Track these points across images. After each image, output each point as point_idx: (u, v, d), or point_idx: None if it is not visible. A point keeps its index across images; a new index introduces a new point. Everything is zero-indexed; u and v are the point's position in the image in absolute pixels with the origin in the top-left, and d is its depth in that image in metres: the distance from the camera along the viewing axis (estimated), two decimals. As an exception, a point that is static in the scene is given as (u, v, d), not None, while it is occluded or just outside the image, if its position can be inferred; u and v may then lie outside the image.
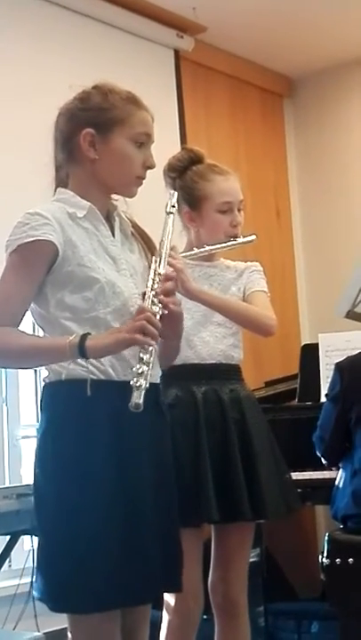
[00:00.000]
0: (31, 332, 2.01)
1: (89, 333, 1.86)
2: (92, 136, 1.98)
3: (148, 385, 1.82)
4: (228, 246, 2.59)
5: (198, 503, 2.36)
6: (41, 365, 2.00)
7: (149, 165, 2.04)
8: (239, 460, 2.46)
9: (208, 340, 2.57)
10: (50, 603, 1.89)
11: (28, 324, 1.99)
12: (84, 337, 1.83)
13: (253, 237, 2.63)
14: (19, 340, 1.88)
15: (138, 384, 1.80)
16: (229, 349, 2.60)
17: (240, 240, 2.61)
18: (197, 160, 2.64)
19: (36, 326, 2.03)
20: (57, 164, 2.05)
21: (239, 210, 2.63)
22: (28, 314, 1.97)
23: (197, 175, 2.61)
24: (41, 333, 2.00)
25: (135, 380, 1.81)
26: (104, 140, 1.98)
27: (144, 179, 2.04)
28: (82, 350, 1.82)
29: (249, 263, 2.69)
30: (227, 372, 2.59)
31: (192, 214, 2.62)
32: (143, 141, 2.02)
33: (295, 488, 2.72)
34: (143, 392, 1.80)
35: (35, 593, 1.93)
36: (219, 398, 2.53)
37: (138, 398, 1.79)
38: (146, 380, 1.81)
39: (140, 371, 1.82)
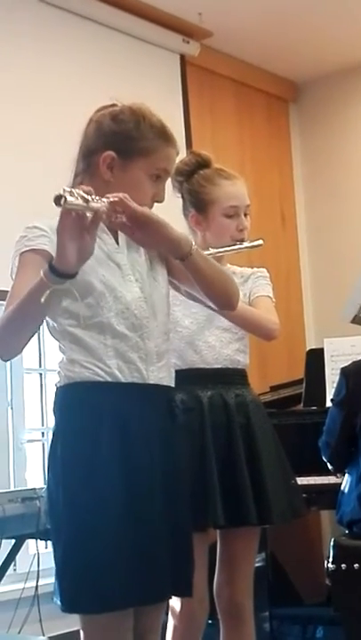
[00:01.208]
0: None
1: None
2: (113, 159, 1.98)
3: (75, 197, 1.73)
4: (234, 250, 2.60)
5: (204, 508, 2.36)
6: (38, 314, 1.90)
7: (158, 200, 2.05)
8: (245, 465, 2.46)
9: (214, 345, 2.58)
10: (62, 603, 1.90)
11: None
12: (50, 263, 1.82)
13: (261, 242, 2.64)
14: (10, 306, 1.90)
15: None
16: (235, 354, 2.60)
17: (246, 244, 2.62)
18: (205, 164, 2.65)
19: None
20: (76, 171, 2.06)
21: (246, 214, 2.64)
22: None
23: (204, 179, 2.62)
24: (57, 346, 2.02)
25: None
26: (123, 167, 1.98)
27: (151, 208, 2.04)
28: (52, 267, 1.79)
29: (255, 269, 2.70)
30: (233, 377, 2.59)
31: (199, 218, 2.63)
32: (160, 175, 2.03)
33: (301, 493, 2.71)
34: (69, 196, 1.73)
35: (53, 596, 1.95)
36: (225, 403, 2.53)
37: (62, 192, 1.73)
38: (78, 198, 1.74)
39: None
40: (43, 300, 1.79)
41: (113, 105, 2.06)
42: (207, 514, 2.37)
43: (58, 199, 1.71)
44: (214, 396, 2.53)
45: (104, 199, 1.84)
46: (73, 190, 1.75)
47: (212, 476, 2.41)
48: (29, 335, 1.93)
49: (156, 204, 2.03)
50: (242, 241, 2.61)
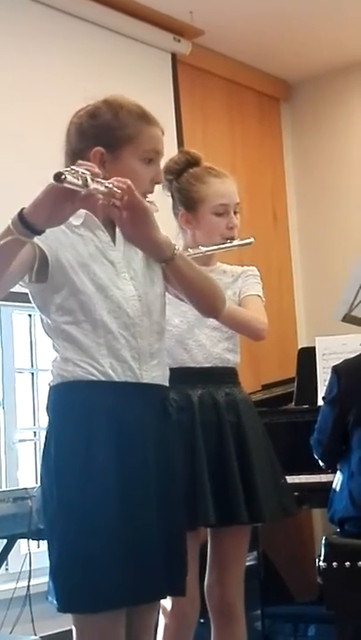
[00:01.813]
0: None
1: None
2: (102, 154, 1.98)
3: (76, 177, 1.72)
4: (224, 248, 2.59)
5: (195, 506, 2.36)
6: (4, 261, 1.81)
7: (157, 181, 2.05)
8: (236, 464, 2.46)
9: (204, 344, 2.57)
10: (57, 603, 1.89)
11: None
12: (22, 209, 1.78)
13: (251, 240, 2.64)
14: None
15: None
16: (225, 353, 2.60)
17: (237, 242, 2.61)
18: (194, 162, 2.65)
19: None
20: None
21: (235, 212, 2.64)
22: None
23: (194, 177, 2.62)
24: (50, 343, 2.01)
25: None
26: (113, 159, 1.98)
27: (152, 193, 2.04)
28: (21, 216, 1.75)
29: (246, 267, 2.69)
30: (223, 376, 2.59)
31: (188, 216, 2.63)
32: (152, 158, 2.03)
33: (291, 492, 2.71)
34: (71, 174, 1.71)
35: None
36: (215, 401, 2.53)
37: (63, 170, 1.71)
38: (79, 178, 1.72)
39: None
40: (2, 242, 1.75)
41: (88, 105, 2.06)
42: (198, 513, 2.36)
43: (57, 177, 1.69)
44: (204, 394, 2.53)
45: (107, 183, 1.82)
46: (77, 170, 1.74)
47: (203, 475, 2.41)
48: None
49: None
50: (232, 239, 2.61)
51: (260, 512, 2.46)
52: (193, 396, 2.51)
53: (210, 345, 2.58)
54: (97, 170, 1.82)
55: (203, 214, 2.60)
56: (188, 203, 2.61)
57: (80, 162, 1.81)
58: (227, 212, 2.61)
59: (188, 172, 2.63)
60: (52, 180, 1.70)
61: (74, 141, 2.03)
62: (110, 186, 1.83)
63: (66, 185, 1.70)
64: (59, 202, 1.75)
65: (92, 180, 1.76)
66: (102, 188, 1.80)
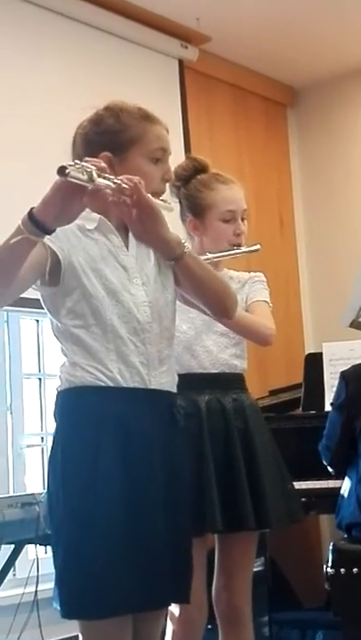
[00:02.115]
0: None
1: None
2: (110, 159, 1.98)
3: (84, 171, 1.72)
4: (231, 255, 2.60)
5: (202, 513, 2.36)
6: (15, 261, 1.81)
7: (168, 179, 2.05)
8: (243, 470, 2.46)
9: (211, 350, 2.58)
10: (61, 609, 1.89)
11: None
12: (32, 208, 1.78)
13: (258, 247, 2.64)
14: None
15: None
16: (232, 359, 2.60)
17: (244, 249, 2.62)
18: (202, 169, 2.66)
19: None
20: None
21: (243, 219, 2.64)
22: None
23: (201, 184, 2.63)
24: (58, 348, 2.01)
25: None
26: (121, 162, 1.99)
27: (164, 192, 2.04)
28: (31, 215, 1.75)
29: (253, 274, 2.70)
30: (230, 382, 2.59)
31: (196, 223, 2.63)
32: (159, 156, 2.03)
33: (299, 498, 2.71)
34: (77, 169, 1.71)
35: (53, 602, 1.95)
36: (222, 407, 2.53)
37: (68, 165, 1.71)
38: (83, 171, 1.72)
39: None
40: (12, 241, 1.74)
41: (91, 115, 2.07)
42: (205, 519, 2.36)
43: (61, 171, 1.69)
44: (212, 400, 2.53)
45: (116, 180, 1.82)
46: (83, 165, 1.74)
47: (210, 481, 2.40)
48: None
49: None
50: (239, 245, 2.61)
51: (267, 518, 2.45)
52: (200, 402, 2.51)
53: (217, 351, 2.58)
54: (103, 165, 1.81)
55: (210, 221, 2.61)
56: (195, 209, 2.62)
57: (87, 158, 1.81)
58: (234, 218, 2.62)
59: (196, 178, 2.64)
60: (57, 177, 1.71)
61: (80, 151, 2.03)
62: (118, 182, 1.83)
63: (70, 179, 1.70)
64: (67, 198, 1.75)
65: (99, 175, 1.76)
66: (110, 184, 1.81)
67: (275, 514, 2.47)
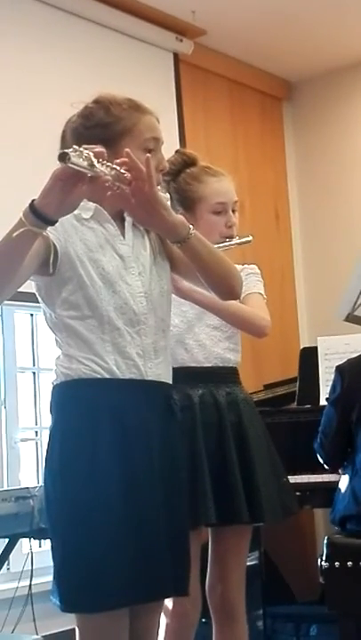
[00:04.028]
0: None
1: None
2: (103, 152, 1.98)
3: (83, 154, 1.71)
4: (224, 247, 2.59)
5: (196, 505, 2.36)
6: (18, 254, 1.80)
7: (162, 169, 2.04)
8: (236, 463, 2.46)
9: (205, 343, 2.57)
10: (61, 603, 1.89)
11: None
12: (33, 200, 1.77)
13: (250, 238, 2.64)
14: None
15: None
16: (226, 352, 2.59)
17: (236, 240, 2.61)
18: (191, 163, 2.65)
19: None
20: None
21: (234, 211, 2.63)
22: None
23: (191, 177, 2.62)
24: (53, 338, 2.00)
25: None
26: (114, 154, 1.94)
27: (159, 183, 2.03)
28: (32, 207, 1.74)
29: (246, 265, 2.69)
30: (223, 375, 2.58)
31: (187, 216, 2.60)
32: (152, 147, 2.02)
33: (293, 491, 2.71)
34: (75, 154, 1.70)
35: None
36: (216, 401, 2.52)
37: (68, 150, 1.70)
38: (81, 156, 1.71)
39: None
40: (15, 234, 1.73)
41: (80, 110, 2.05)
42: (199, 511, 2.36)
43: (62, 157, 1.68)
44: (205, 394, 2.52)
45: (115, 166, 1.81)
46: (82, 150, 1.72)
47: (204, 475, 2.40)
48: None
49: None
50: (231, 237, 2.60)
51: (261, 512, 2.45)
52: (194, 396, 2.51)
53: (210, 344, 2.57)
54: (101, 149, 1.79)
55: (201, 214, 2.60)
56: (186, 203, 2.61)
57: (85, 145, 1.78)
58: (225, 210, 2.61)
59: (186, 172, 2.63)
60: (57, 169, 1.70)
61: (71, 146, 2.02)
62: (117, 168, 1.81)
63: (71, 165, 1.69)
64: (67, 187, 1.73)
65: (98, 161, 1.75)
66: (109, 171, 1.79)
67: (268, 507, 2.47)
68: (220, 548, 2.56)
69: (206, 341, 2.57)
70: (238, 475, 2.44)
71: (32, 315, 4.13)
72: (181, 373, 2.47)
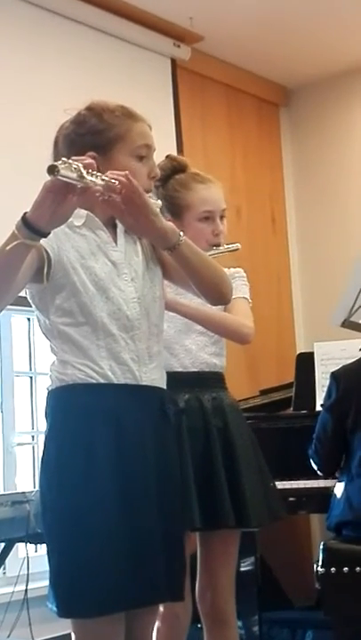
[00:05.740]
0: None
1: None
2: (95, 158, 1.96)
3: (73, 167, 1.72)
4: (211, 255, 2.58)
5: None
6: (12, 267, 1.81)
7: (154, 176, 2.05)
8: (222, 468, 2.44)
9: (191, 349, 2.57)
10: (57, 609, 1.89)
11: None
12: (25, 213, 1.78)
13: (238, 246, 2.63)
14: None
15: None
16: (212, 357, 2.59)
17: (223, 249, 2.60)
18: (180, 169, 2.64)
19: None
20: None
21: (222, 218, 2.63)
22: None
23: (179, 184, 2.61)
24: (47, 344, 2.01)
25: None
26: (106, 161, 1.97)
27: (150, 190, 2.04)
28: (25, 220, 1.75)
29: (232, 269, 2.67)
30: (210, 380, 2.58)
31: (175, 223, 2.60)
32: (144, 154, 2.03)
33: (280, 496, 2.69)
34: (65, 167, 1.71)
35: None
36: (201, 406, 2.52)
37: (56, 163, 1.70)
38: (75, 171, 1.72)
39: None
40: (8, 248, 1.74)
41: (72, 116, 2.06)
42: (184, 517, 2.35)
43: (51, 169, 1.69)
44: (191, 399, 2.52)
45: (104, 177, 1.82)
46: (71, 162, 1.73)
47: (189, 479, 2.38)
48: None
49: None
50: (218, 245, 2.60)
51: (247, 516, 2.44)
52: (180, 401, 2.50)
53: (196, 349, 2.57)
54: (90, 160, 1.81)
55: (188, 221, 2.59)
56: (173, 210, 2.60)
57: (74, 157, 1.80)
58: (212, 218, 2.60)
59: (174, 178, 2.62)
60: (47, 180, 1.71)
61: (64, 153, 2.01)
62: (107, 179, 1.83)
63: (61, 178, 1.70)
64: (58, 199, 1.75)
65: (88, 172, 1.76)
66: (99, 181, 1.80)
67: (255, 512, 2.45)
68: (209, 553, 2.55)
69: (192, 347, 2.57)
70: (224, 479, 2.43)
71: (29, 319, 4.13)
72: (168, 378, 2.47)
